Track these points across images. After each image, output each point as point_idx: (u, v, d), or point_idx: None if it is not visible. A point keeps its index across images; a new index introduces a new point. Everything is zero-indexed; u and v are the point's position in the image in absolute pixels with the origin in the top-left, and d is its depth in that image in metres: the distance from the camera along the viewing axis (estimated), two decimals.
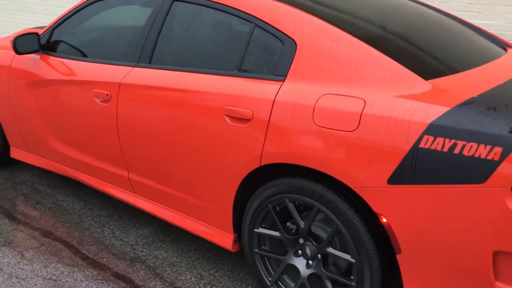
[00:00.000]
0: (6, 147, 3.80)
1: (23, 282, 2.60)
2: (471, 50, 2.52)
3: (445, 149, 1.78)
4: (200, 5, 2.59)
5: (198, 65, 2.52)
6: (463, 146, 1.75)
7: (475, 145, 1.73)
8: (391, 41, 2.27)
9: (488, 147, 1.71)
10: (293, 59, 2.21)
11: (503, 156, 1.69)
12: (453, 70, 2.18)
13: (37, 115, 3.32)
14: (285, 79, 2.20)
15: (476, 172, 1.73)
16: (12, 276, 2.65)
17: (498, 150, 1.70)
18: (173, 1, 2.71)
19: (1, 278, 2.62)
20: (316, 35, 2.20)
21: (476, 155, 1.73)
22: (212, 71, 2.44)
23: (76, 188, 3.67)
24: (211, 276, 2.69)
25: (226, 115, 2.31)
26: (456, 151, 1.76)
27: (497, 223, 1.73)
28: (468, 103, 1.83)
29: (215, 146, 2.37)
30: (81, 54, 3.12)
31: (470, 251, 1.81)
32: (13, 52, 3.44)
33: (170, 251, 2.92)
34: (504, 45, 2.87)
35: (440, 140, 1.79)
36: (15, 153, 3.73)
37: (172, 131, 2.53)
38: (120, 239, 3.04)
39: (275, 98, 2.17)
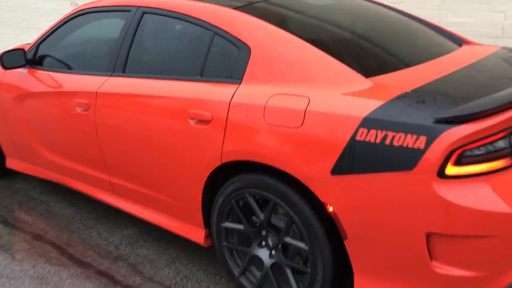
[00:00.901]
0: (2, 158, 4.01)
1: (12, 281, 2.79)
2: (420, 47, 2.67)
3: (378, 141, 1.92)
4: (166, 16, 2.77)
5: (165, 72, 2.70)
6: (393, 137, 1.89)
7: (403, 135, 1.88)
8: (338, 42, 2.43)
9: (414, 136, 1.85)
10: (247, 63, 2.37)
11: (428, 144, 1.83)
12: (397, 67, 2.32)
13: (27, 126, 3.53)
14: (241, 82, 2.37)
15: (405, 160, 1.87)
16: (2, 276, 2.84)
17: (423, 139, 1.84)
18: (143, 14, 2.90)
19: None
20: (268, 40, 2.36)
21: (405, 144, 1.87)
22: (178, 77, 2.62)
23: (67, 194, 3.87)
24: (188, 271, 2.86)
25: (190, 118, 2.48)
26: (387, 141, 1.90)
27: (426, 207, 1.87)
28: (400, 98, 1.98)
29: (181, 147, 2.54)
30: (65, 67, 3.32)
31: (406, 234, 1.95)
32: (1, 68, 3.66)
33: (151, 249, 3.09)
34: (461, 42, 3.00)
35: (373, 132, 1.94)
36: (11, 163, 3.95)
37: (143, 135, 2.71)
38: (106, 240, 3.22)
39: (231, 100, 2.33)
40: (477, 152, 1.85)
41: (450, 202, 1.84)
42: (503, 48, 2.82)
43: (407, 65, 2.37)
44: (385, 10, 3.12)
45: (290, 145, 2.14)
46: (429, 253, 1.94)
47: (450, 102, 1.91)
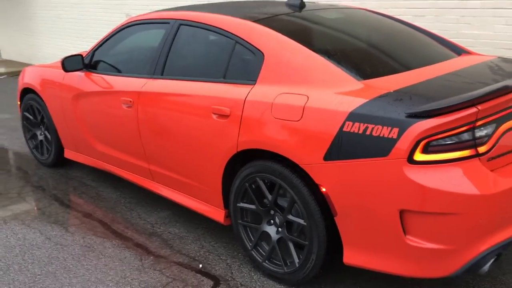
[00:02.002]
0: (61, 149, 4.63)
1: (64, 248, 3.33)
2: (416, 55, 3.03)
3: (361, 131, 2.31)
4: (198, 27, 3.26)
5: (196, 75, 3.18)
6: (373, 129, 2.28)
7: (380, 127, 2.26)
8: (338, 50, 2.83)
9: (389, 128, 2.23)
10: (261, 67, 2.82)
11: (399, 135, 2.21)
12: (390, 72, 2.69)
13: (82, 121, 4.11)
14: (255, 83, 2.81)
15: (382, 148, 2.25)
16: (57, 244, 3.39)
17: (396, 130, 2.22)
18: (179, 25, 3.40)
19: (49, 245, 3.37)
20: (279, 48, 2.80)
21: (381, 135, 2.25)
22: (205, 79, 3.09)
23: (114, 182, 4.42)
24: (211, 247, 3.31)
25: (213, 113, 2.94)
26: (368, 132, 2.29)
27: (399, 187, 2.24)
28: (382, 96, 2.36)
29: (206, 138, 3.01)
30: (115, 70, 3.87)
31: (384, 211, 2.32)
32: (63, 71, 4.27)
33: (181, 228, 3.57)
34: (461, 51, 3.32)
35: (357, 124, 2.33)
36: (68, 154, 4.55)
37: (176, 128, 3.20)
38: (144, 219, 3.72)
39: (245, 98, 2.78)
40: (442, 142, 2.20)
41: (418, 184, 2.20)
42: (499, 58, 3.13)
43: (400, 70, 2.74)
44: (388, 21, 3.48)
45: (291, 136, 2.56)
46: (403, 228, 2.30)
47: (422, 101, 2.27)
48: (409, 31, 3.42)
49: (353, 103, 2.38)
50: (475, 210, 2.20)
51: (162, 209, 3.87)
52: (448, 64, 2.93)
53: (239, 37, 2.98)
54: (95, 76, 3.96)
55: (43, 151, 4.87)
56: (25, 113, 4.91)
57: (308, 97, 2.54)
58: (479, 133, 2.25)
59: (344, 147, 2.37)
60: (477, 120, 2.22)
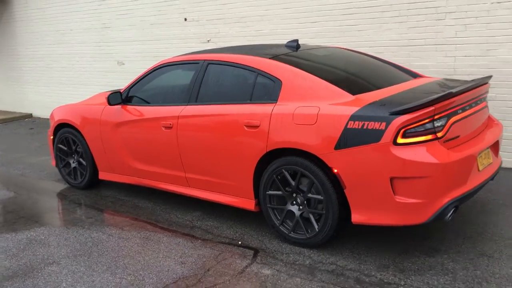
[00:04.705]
0: (96, 172, 5.52)
1: (126, 240, 4.22)
2: (386, 78, 4.23)
3: (359, 127, 3.43)
4: (224, 64, 4.36)
5: (226, 100, 4.24)
6: (368, 124, 3.40)
7: (372, 123, 3.38)
8: (333, 75, 3.99)
9: (379, 123, 3.36)
10: (280, 90, 3.92)
11: (386, 127, 3.34)
12: (371, 89, 3.86)
13: (121, 146, 5.05)
14: (277, 101, 3.91)
15: (375, 136, 3.37)
16: (120, 238, 4.28)
17: (384, 124, 3.35)
18: (208, 64, 4.49)
19: (114, 239, 4.25)
20: (293, 76, 3.92)
21: (374, 128, 3.38)
22: (235, 101, 4.16)
23: (146, 195, 5.34)
24: (243, 231, 4.29)
25: (245, 125, 4.00)
26: (365, 127, 3.41)
27: (388, 162, 3.35)
28: (372, 103, 3.51)
29: (240, 145, 4.04)
30: (151, 102, 4.88)
31: (379, 180, 3.41)
32: (101, 108, 5.22)
33: (215, 221, 4.53)
34: (416, 75, 4.57)
35: (357, 122, 3.45)
36: (103, 175, 5.45)
37: (213, 140, 4.22)
38: (182, 218, 4.67)
39: (271, 112, 3.86)
40: (414, 130, 3.35)
41: (401, 158, 3.32)
42: (444, 78, 4.39)
43: (376, 88, 3.91)
44: (360, 55, 4.73)
45: (309, 135, 3.64)
46: (393, 190, 3.40)
47: (398, 104, 3.43)
48: (376, 61, 4.66)
49: (352, 109, 3.51)
50: (437, 174, 3.33)
51: (194, 210, 4.83)
52: (408, 84, 4.15)
53: (260, 70, 4.09)
54: (131, 108, 4.95)
55: (76, 177, 5.73)
56: (59, 145, 5.78)
57: (319, 108, 3.66)
58: (437, 123, 3.42)
59: (349, 138, 3.48)
60: (435, 115, 3.39)
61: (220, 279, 3.48)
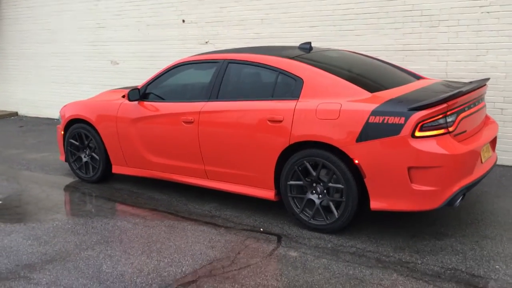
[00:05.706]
0: (110, 166, 5.70)
1: (151, 228, 4.45)
2: (395, 79, 4.62)
3: (380, 121, 3.79)
4: (245, 64, 4.65)
5: (247, 96, 4.53)
6: (388, 119, 3.76)
7: (392, 117, 3.74)
8: (351, 75, 4.34)
9: (398, 117, 3.73)
10: (302, 88, 4.24)
11: (405, 121, 3.70)
12: (386, 88, 4.23)
13: (138, 140, 5.26)
14: (299, 98, 4.23)
15: (394, 130, 3.73)
16: (146, 226, 4.50)
17: (403, 119, 3.71)
18: (228, 63, 4.77)
19: (140, 227, 4.47)
20: (314, 75, 4.25)
21: (394, 122, 3.74)
22: (258, 98, 4.46)
23: (159, 188, 5.56)
24: (262, 219, 4.58)
25: (268, 120, 4.30)
26: (385, 121, 3.77)
27: (406, 153, 3.71)
28: (390, 100, 3.87)
29: (263, 138, 4.34)
30: (170, 98, 5.11)
31: (397, 169, 3.77)
32: (117, 103, 5.42)
33: (233, 212, 4.80)
34: (419, 77, 4.97)
35: (378, 117, 3.80)
36: (116, 169, 5.63)
37: (234, 134, 4.50)
38: (200, 209, 4.92)
39: (295, 108, 4.18)
40: (429, 124, 3.72)
41: (418, 149, 3.69)
42: (443, 80, 4.80)
43: (388, 87, 4.28)
44: (375, 60, 5.11)
45: (332, 129, 3.98)
46: (410, 178, 3.76)
47: (414, 101, 3.80)
48: (382, 63, 5.05)
49: (372, 105, 3.86)
50: (450, 164, 3.72)
51: (210, 202, 5.09)
52: (416, 84, 4.55)
53: (282, 69, 4.40)
54: (149, 104, 5.18)
55: (87, 171, 5.89)
56: (70, 140, 5.93)
57: (341, 104, 3.99)
58: (449, 119, 3.81)
59: (370, 132, 3.82)
60: (447, 111, 3.78)
61: (252, 260, 3.76)
